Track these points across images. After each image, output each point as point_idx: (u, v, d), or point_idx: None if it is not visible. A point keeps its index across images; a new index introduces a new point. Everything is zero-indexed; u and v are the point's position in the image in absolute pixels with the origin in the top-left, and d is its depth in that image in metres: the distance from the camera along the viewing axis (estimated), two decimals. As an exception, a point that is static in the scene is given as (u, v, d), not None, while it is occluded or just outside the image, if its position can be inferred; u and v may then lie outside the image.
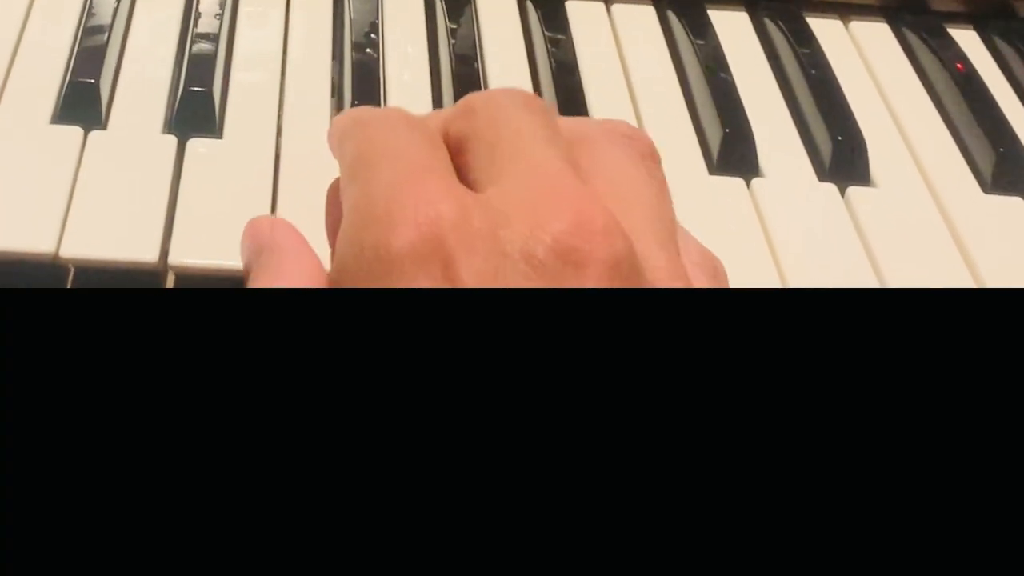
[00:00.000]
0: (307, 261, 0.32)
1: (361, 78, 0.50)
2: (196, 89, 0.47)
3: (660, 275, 0.28)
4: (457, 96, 0.51)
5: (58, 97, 0.47)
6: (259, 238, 0.33)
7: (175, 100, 0.48)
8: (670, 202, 0.31)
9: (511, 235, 0.26)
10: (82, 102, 0.46)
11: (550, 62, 0.54)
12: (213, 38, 0.50)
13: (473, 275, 0.26)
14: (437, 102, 0.52)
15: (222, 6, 0.52)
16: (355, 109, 0.31)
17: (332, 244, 0.34)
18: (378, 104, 0.49)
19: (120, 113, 0.47)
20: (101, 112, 0.47)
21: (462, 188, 0.28)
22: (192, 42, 0.50)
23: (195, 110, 0.47)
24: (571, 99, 0.52)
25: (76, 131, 0.45)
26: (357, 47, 0.52)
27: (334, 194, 0.34)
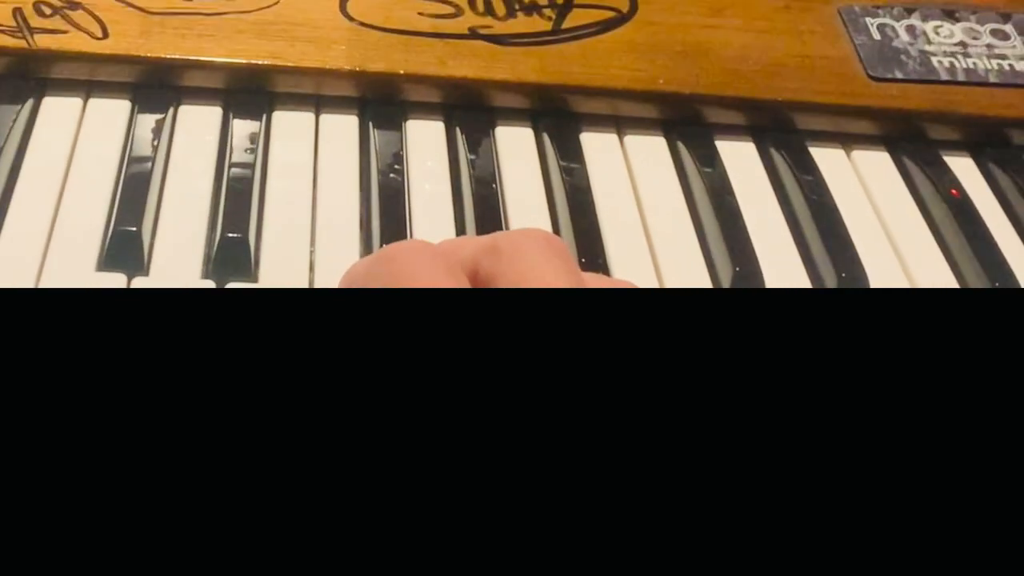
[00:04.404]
0: None
1: (388, 210, 0.53)
2: (232, 235, 0.50)
3: None
4: (478, 223, 0.53)
5: (102, 244, 0.49)
6: None
7: (212, 245, 0.50)
8: None
9: None
10: (125, 250, 0.49)
11: (565, 189, 0.56)
12: (246, 182, 0.53)
13: None
14: (460, 229, 0.54)
15: (254, 140, 0.55)
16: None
17: None
18: (405, 233, 0.52)
19: (161, 259, 0.49)
20: (143, 258, 0.49)
21: None
22: (227, 187, 0.53)
23: (232, 256, 0.49)
24: (585, 224, 0.55)
25: (120, 278, 0.48)
26: (383, 186, 0.54)
27: None
